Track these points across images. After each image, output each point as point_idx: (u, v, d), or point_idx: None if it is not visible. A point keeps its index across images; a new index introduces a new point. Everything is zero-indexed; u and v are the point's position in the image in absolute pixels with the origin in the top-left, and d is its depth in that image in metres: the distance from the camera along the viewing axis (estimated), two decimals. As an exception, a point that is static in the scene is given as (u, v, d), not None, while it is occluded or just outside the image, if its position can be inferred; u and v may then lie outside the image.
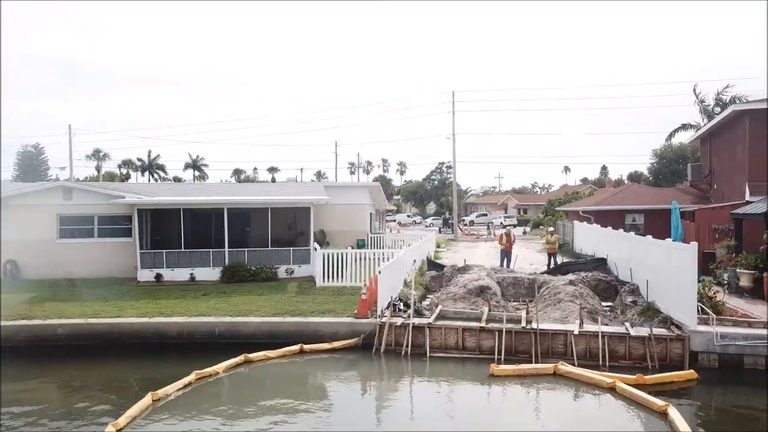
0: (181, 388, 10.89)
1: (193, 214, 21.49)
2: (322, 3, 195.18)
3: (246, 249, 21.35)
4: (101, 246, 21.75)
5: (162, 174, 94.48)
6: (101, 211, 21.80)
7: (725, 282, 16.78)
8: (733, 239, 18.72)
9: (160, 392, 10.39)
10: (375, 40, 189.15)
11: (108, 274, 21.11)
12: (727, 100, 43.48)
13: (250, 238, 22.19)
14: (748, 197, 19.88)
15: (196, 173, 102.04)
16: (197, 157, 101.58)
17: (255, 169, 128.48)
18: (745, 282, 16.10)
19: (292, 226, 23.14)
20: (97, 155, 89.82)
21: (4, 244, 20.83)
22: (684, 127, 48.06)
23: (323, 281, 18.94)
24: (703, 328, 12.12)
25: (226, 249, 21.10)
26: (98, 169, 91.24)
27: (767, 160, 20.19)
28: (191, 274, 20.69)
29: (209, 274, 20.73)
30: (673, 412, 9.21)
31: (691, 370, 11.44)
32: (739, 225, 18.42)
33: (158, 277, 20.49)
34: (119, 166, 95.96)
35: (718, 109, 43.15)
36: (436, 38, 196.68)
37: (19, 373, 12.46)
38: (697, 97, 47.03)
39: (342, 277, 18.99)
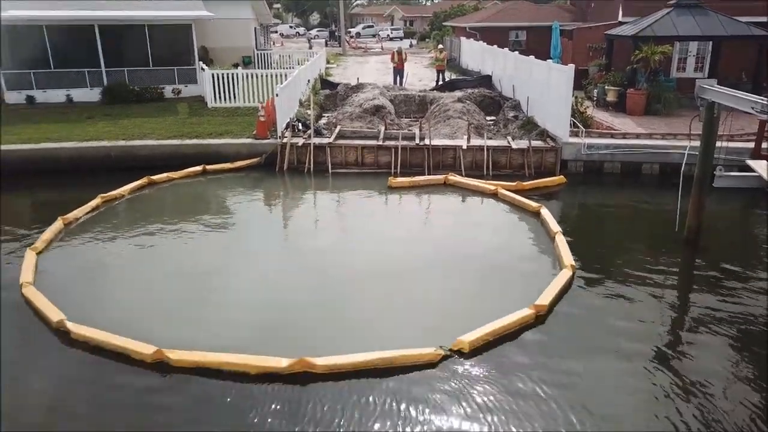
0: (88, 212, 10.95)
1: (60, 31, 19.30)
2: None
3: (126, 69, 19.95)
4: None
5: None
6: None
7: (595, 98, 18.48)
8: (604, 58, 20.23)
9: (70, 216, 10.43)
10: None
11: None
12: None
13: (128, 57, 20.52)
14: (620, 18, 21.04)
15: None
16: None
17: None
18: (611, 97, 17.84)
19: (173, 45, 21.63)
20: None
21: None
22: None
23: (214, 102, 18.48)
24: (573, 139, 13.67)
25: (103, 68, 19.66)
26: None
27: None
28: (67, 95, 19.30)
29: (88, 95, 19.45)
30: (545, 212, 10.79)
31: (561, 176, 13.15)
32: (611, 45, 19.76)
33: (30, 99, 18.93)
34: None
35: None
36: None
37: None
38: None
39: (234, 97, 18.60)
